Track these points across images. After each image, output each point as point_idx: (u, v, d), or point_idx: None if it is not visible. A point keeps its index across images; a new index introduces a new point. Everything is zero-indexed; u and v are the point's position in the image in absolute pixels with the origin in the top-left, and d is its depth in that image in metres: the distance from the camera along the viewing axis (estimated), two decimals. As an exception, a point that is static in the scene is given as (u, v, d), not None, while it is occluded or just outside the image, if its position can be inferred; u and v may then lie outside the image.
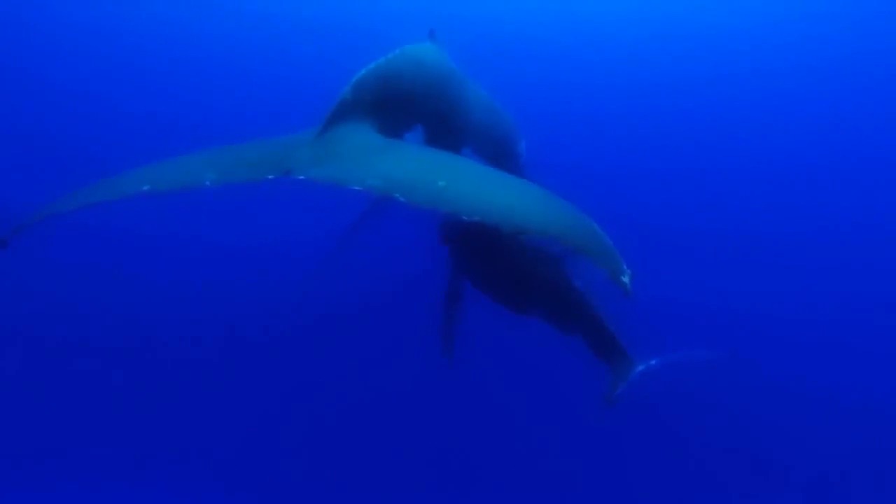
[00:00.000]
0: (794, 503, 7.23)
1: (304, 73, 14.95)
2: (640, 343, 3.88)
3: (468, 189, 2.61)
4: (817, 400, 8.24)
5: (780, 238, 12.17)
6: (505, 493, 6.82)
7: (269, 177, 2.65)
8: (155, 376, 7.69)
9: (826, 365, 8.90)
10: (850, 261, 11.93)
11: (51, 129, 12.74)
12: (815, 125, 15.38)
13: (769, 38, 16.17)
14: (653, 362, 3.64)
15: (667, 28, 16.62)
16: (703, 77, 16.36)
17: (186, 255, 10.08)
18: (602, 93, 15.90)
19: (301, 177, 2.61)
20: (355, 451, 6.89)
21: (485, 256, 4.09)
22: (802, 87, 15.72)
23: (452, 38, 4.64)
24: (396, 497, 6.70)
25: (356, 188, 2.47)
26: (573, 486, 6.92)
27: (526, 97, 7.23)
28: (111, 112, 13.49)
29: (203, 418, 7.23)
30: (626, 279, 2.21)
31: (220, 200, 10.35)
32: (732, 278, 10.44)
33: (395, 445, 6.95)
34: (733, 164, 14.04)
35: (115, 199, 2.55)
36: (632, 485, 6.68)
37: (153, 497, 6.58)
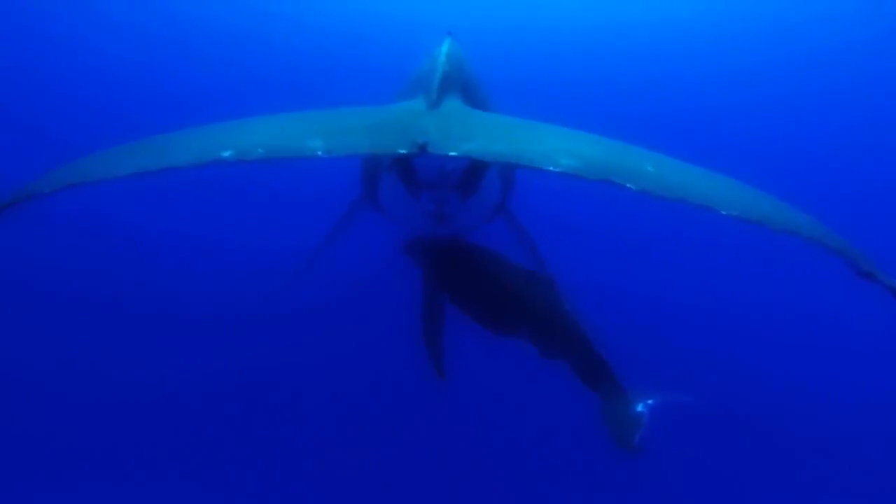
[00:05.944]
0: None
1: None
2: (628, 363, 3.62)
3: (680, 175, 2.31)
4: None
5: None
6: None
7: (401, 151, 2.27)
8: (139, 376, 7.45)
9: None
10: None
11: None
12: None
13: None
14: (650, 402, 3.39)
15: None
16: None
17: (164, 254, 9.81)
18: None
19: (452, 153, 2.23)
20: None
21: (453, 274, 3.84)
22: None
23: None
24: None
25: (549, 169, 2.09)
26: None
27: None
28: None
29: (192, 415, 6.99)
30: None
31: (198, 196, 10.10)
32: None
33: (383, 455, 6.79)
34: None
35: (185, 166, 2.04)
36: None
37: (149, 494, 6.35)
